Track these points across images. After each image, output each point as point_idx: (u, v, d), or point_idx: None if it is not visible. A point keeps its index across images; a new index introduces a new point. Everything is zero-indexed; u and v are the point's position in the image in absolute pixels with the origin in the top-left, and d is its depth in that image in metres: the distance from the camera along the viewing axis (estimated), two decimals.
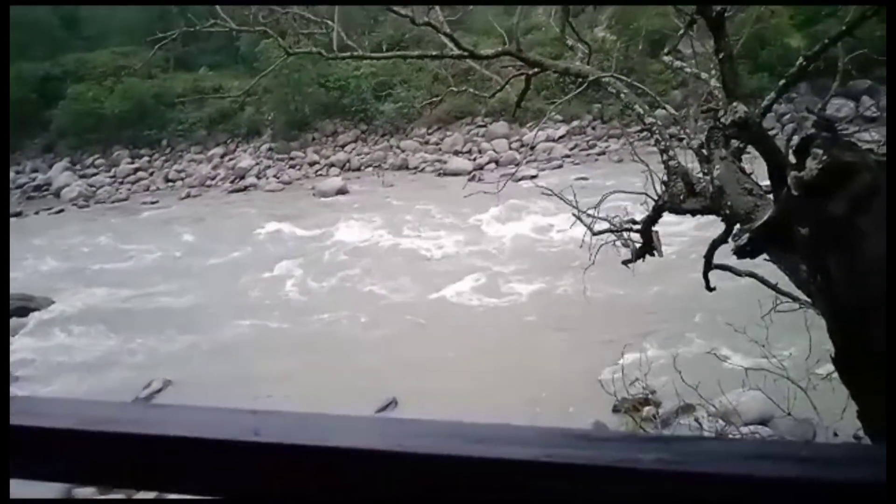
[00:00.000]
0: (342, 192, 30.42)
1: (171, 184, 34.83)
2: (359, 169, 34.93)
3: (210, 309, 17.86)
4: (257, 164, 35.13)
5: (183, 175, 35.29)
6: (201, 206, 30.64)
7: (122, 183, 35.10)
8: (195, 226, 26.54)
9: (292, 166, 35.33)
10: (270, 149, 36.49)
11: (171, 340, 16.29)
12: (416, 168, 33.89)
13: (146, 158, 36.90)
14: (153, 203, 31.78)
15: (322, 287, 18.97)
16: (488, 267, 19.03)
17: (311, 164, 35.53)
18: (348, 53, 5.21)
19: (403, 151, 35.66)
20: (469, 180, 30.15)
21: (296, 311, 17.38)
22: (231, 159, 36.00)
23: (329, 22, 5.08)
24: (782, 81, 3.65)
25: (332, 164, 35.26)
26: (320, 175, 34.24)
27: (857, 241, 1.07)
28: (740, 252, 1.22)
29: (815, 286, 1.13)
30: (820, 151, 1.14)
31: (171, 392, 13.87)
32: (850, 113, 29.46)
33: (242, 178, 33.96)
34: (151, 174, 35.89)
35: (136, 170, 36.02)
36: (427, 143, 36.34)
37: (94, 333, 16.96)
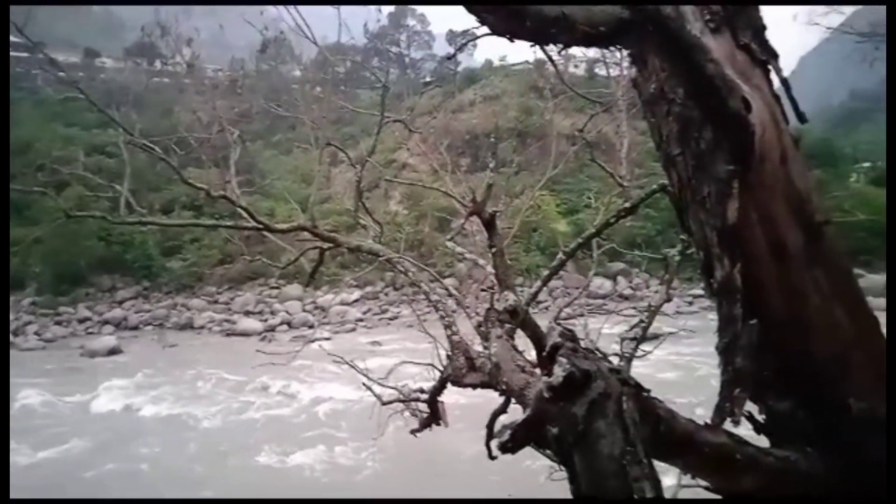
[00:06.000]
0: (115, 351, 27.86)
1: None
2: (136, 327, 32.59)
3: None
4: (16, 319, 31.36)
5: None
6: None
7: None
8: None
9: (58, 323, 32.11)
10: (34, 303, 33.02)
11: None
12: (202, 327, 32.34)
13: None
14: None
15: (80, 461, 16.64)
16: (274, 436, 18.02)
17: (82, 321, 32.58)
18: (136, 219, 5.04)
19: (189, 310, 34.08)
20: (260, 341, 29.31)
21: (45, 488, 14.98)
22: None
23: (116, 186, 4.95)
24: (546, 272, 4.15)
25: (107, 322, 32.61)
26: (91, 333, 31.34)
27: (595, 442, 1.26)
28: (503, 448, 1.36)
29: (568, 480, 1.29)
30: (565, 360, 1.34)
31: None
32: (609, 290, 33.57)
33: None
34: None
35: None
36: (216, 302, 35.17)
37: None
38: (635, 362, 4.24)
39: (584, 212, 32.71)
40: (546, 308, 27.02)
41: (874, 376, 1.83)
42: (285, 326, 32.25)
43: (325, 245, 5.34)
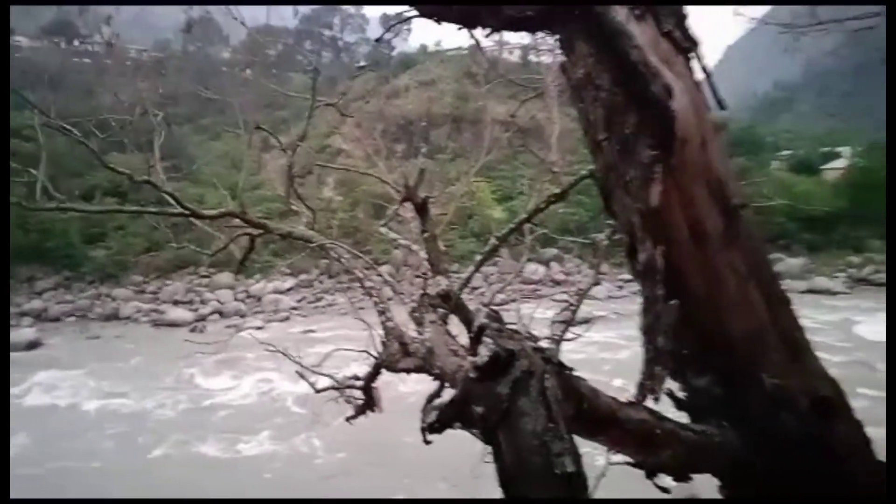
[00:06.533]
0: (35, 344, 26.66)
1: None
2: (58, 319, 31.27)
3: None
4: None
5: None
6: None
7: None
8: None
9: None
10: None
11: None
12: (128, 318, 31.30)
13: None
14: None
15: (21, 457, 15.85)
16: (205, 428, 17.64)
17: None
18: (54, 205, 4.81)
19: (114, 300, 32.88)
20: (190, 331, 28.56)
21: None
22: None
23: (32, 171, 4.72)
24: (479, 257, 4.19)
25: (25, 314, 31.15)
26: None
27: (518, 419, 1.28)
28: (430, 428, 1.37)
29: (493, 458, 1.31)
30: (490, 340, 1.36)
31: None
32: (543, 276, 34.14)
33: None
34: None
35: None
36: (143, 291, 34.04)
37: None
38: (594, 346, 4.35)
39: (518, 198, 33.08)
40: (481, 294, 27.27)
41: (786, 354, 1.91)
42: (216, 316, 31.52)
43: (256, 232, 5.23)
